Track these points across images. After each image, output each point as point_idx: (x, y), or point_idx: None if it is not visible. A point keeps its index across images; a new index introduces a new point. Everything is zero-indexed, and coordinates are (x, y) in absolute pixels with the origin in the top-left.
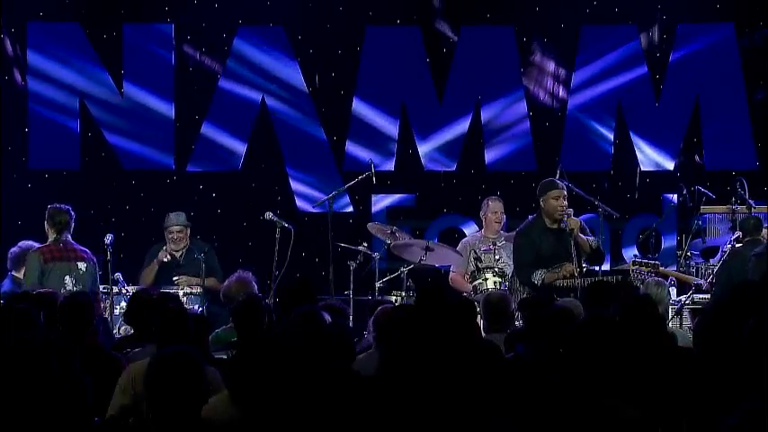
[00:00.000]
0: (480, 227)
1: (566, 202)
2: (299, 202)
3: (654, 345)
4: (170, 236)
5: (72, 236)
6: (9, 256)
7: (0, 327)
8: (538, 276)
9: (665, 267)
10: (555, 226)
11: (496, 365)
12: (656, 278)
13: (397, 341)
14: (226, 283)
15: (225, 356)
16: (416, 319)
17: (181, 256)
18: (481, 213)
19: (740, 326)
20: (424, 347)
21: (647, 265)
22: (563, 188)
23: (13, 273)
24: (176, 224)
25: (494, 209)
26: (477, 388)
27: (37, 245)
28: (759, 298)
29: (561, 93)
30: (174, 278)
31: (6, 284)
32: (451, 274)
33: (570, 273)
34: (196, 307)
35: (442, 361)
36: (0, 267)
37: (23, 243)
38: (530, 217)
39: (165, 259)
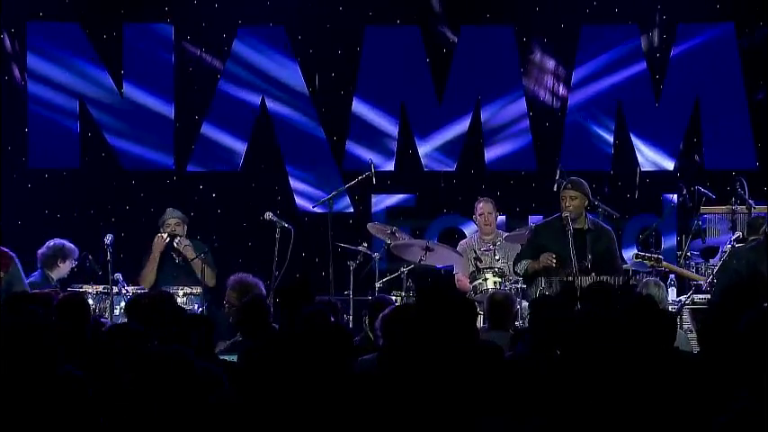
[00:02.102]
0: None
1: (573, 202)
2: (299, 203)
3: (657, 346)
4: (168, 229)
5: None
6: (39, 256)
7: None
8: (521, 266)
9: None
10: (574, 226)
11: (496, 365)
12: (654, 279)
13: (397, 340)
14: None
15: (227, 358)
16: (417, 319)
17: (185, 248)
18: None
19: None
20: (424, 347)
21: (650, 258)
22: (570, 188)
23: (44, 270)
24: (172, 216)
25: (479, 210)
26: (475, 387)
27: (68, 243)
28: (756, 293)
29: (561, 92)
30: (178, 241)
31: (36, 277)
32: (457, 276)
33: (547, 262)
34: (196, 307)
35: (441, 360)
36: None
37: (53, 243)
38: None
39: (163, 240)
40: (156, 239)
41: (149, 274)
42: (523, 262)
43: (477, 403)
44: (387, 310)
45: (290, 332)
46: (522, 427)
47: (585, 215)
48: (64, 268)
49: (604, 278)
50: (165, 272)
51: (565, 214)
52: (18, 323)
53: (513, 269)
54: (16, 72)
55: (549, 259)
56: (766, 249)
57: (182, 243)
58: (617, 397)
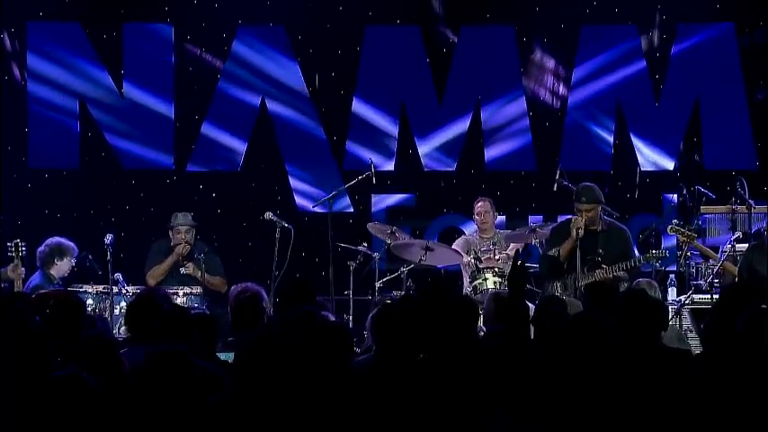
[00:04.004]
0: None
1: (589, 214)
2: (299, 202)
3: (645, 334)
4: (178, 235)
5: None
6: (38, 255)
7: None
8: (552, 254)
9: (700, 242)
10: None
11: (496, 364)
12: (647, 279)
13: (386, 339)
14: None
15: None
16: (415, 317)
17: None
18: None
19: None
20: (417, 346)
21: (683, 233)
22: (585, 202)
23: (44, 269)
24: (184, 223)
25: (477, 210)
26: (473, 387)
27: (65, 240)
28: (755, 292)
29: (561, 92)
30: (182, 267)
31: (37, 278)
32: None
33: (576, 225)
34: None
35: (438, 359)
36: None
37: (50, 241)
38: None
39: (185, 251)
40: (178, 248)
41: (162, 275)
42: (552, 251)
43: (474, 402)
44: (375, 310)
45: (284, 330)
46: (516, 419)
47: (601, 217)
48: (63, 266)
49: (608, 270)
50: (171, 273)
51: (576, 219)
52: (7, 326)
53: (541, 269)
54: (16, 72)
55: (576, 223)
56: (762, 250)
57: (189, 267)
58: (605, 394)
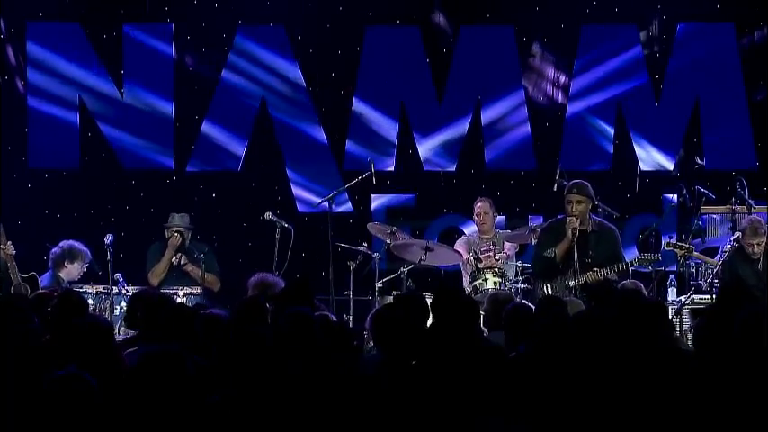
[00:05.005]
0: None
1: (579, 207)
2: (299, 202)
3: (651, 346)
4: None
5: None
6: (51, 255)
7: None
8: (548, 255)
9: (697, 249)
10: (580, 227)
11: (498, 365)
12: (632, 281)
13: (386, 340)
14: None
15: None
16: (414, 316)
17: (180, 256)
18: None
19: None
20: (426, 346)
21: (681, 247)
22: (575, 193)
23: (54, 271)
24: (181, 225)
25: (476, 210)
26: (477, 387)
27: (79, 245)
28: (743, 296)
29: (561, 93)
30: (182, 263)
31: (45, 279)
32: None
33: (571, 226)
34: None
35: (440, 360)
36: None
37: (64, 243)
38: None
39: (177, 241)
40: (172, 240)
41: (162, 271)
42: (548, 252)
43: (476, 403)
44: (375, 309)
45: (282, 330)
46: (516, 428)
47: (589, 216)
48: (72, 270)
49: (599, 272)
50: (170, 272)
51: (571, 219)
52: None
53: (535, 270)
54: (16, 72)
55: (572, 224)
56: (744, 255)
57: (180, 258)
58: (605, 392)
